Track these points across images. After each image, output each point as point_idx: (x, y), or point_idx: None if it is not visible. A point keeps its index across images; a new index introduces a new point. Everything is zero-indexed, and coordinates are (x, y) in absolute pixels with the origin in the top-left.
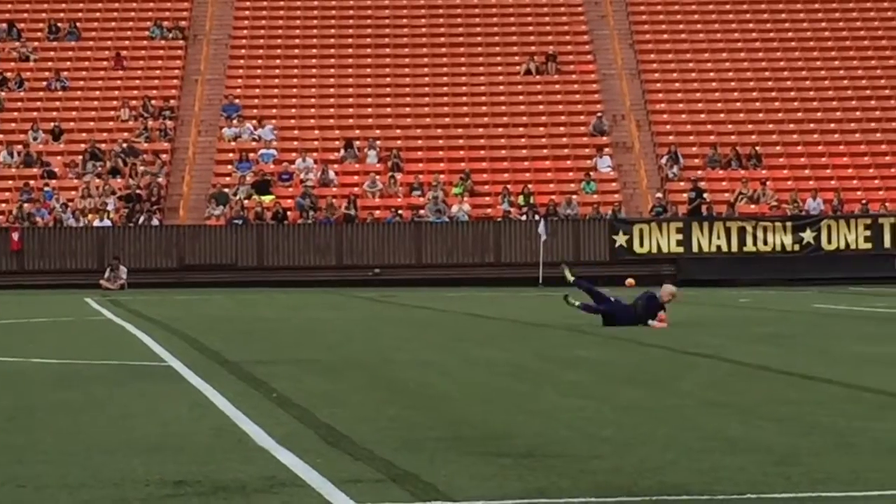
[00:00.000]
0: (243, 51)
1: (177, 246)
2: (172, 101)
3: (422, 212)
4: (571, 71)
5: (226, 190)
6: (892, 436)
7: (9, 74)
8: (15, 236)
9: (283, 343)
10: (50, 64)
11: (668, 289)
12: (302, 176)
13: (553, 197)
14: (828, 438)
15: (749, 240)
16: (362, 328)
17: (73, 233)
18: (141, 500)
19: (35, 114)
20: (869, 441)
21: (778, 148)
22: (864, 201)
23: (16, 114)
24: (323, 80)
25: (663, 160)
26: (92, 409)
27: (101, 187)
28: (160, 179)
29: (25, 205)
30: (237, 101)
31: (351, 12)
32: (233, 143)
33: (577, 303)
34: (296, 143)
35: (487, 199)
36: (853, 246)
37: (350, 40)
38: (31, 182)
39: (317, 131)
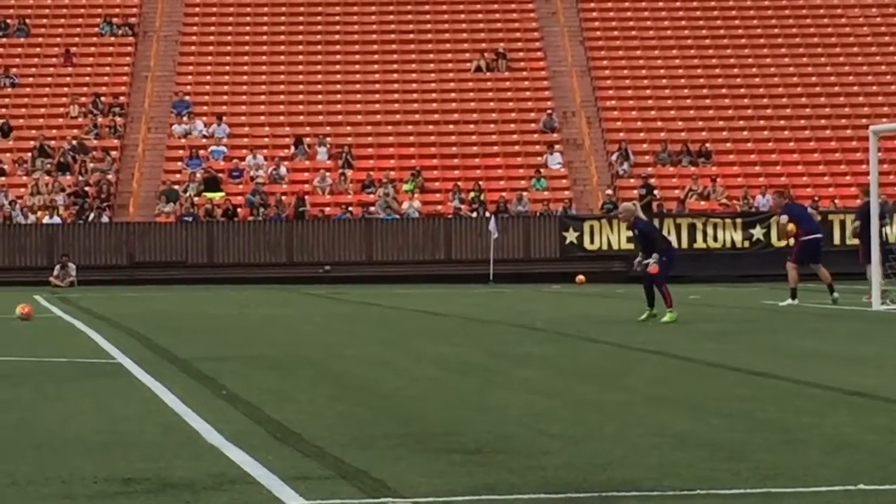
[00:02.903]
0: (193, 47)
1: (126, 243)
2: (122, 98)
3: (372, 209)
4: (522, 68)
5: (175, 187)
6: (841, 432)
7: None
8: None
9: (232, 340)
10: None
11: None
12: (252, 173)
13: (503, 194)
14: (777, 434)
15: (699, 236)
16: (312, 325)
17: (23, 230)
18: (89, 498)
19: None
20: (818, 437)
21: (728, 145)
22: (814, 198)
23: None
24: (273, 77)
25: (613, 157)
26: (41, 407)
27: (50, 184)
28: (110, 176)
29: None
30: (187, 97)
31: (301, 9)
32: (183, 140)
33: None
34: (246, 140)
35: (438, 196)
36: None
37: (300, 37)
38: None
39: (267, 128)
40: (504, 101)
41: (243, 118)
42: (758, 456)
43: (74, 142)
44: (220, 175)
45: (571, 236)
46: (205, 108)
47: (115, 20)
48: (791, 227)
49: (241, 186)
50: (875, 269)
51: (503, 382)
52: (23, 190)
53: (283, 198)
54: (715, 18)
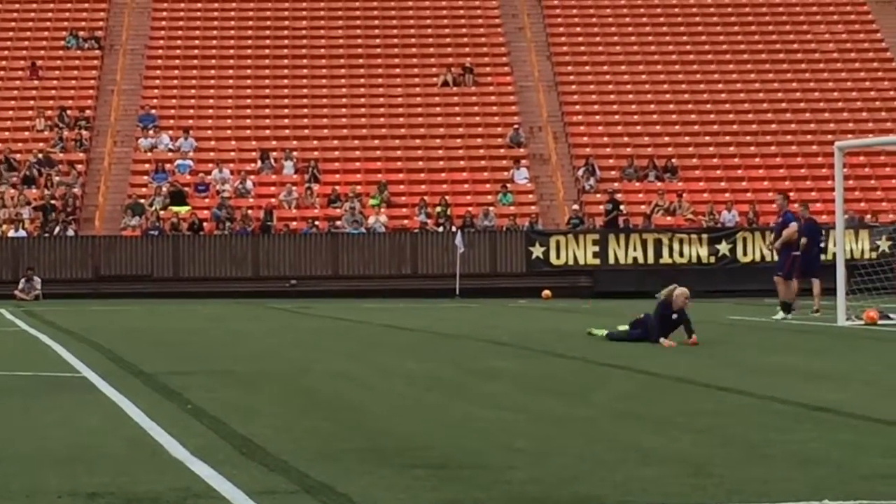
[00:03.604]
0: (160, 61)
1: (92, 257)
2: (88, 112)
3: (338, 223)
4: (489, 83)
5: (141, 201)
6: (806, 447)
7: None
8: None
9: (198, 354)
10: None
11: (682, 291)
12: (218, 187)
13: (470, 208)
14: (742, 449)
15: (665, 252)
16: (278, 339)
17: None
18: None
19: None
20: (782, 452)
21: (694, 160)
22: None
23: None
24: (240, 91)
25: (580, 172)
26: (5, 421)
27: (15, 197)
28: (76, 190)
29: None
30: (153, 111)
31: (268, 22)
32: (149, 154)
33: (602, 332)
34: (212, 153)
35: (404, 210)
36: (768, 258)
37: (267, 50)
38: None
39: (233, 142)
40: (471, 116)
41: (209, 132)
42: (723, 471)
43: (40, 155)
44: (187, 189)
45: (538, 251)
46: (171, 121)
47: (81, 33)
48: (794, 238)
49: (207, 200)
50: (840, 286)
51: (469, 397)
52: None
53: (250, 212)
54: (682, 34)
